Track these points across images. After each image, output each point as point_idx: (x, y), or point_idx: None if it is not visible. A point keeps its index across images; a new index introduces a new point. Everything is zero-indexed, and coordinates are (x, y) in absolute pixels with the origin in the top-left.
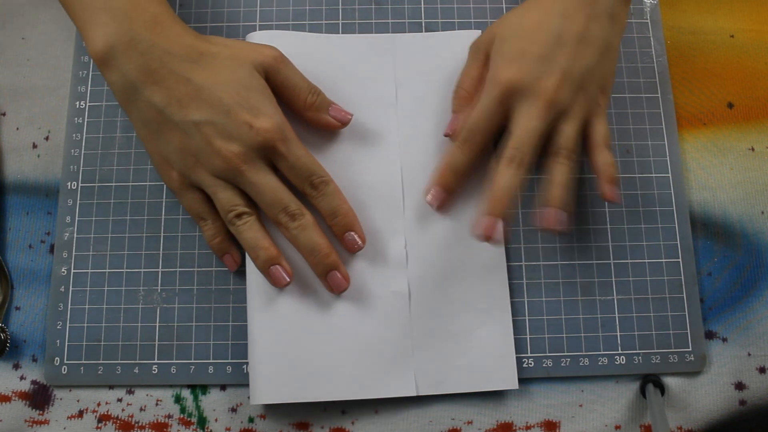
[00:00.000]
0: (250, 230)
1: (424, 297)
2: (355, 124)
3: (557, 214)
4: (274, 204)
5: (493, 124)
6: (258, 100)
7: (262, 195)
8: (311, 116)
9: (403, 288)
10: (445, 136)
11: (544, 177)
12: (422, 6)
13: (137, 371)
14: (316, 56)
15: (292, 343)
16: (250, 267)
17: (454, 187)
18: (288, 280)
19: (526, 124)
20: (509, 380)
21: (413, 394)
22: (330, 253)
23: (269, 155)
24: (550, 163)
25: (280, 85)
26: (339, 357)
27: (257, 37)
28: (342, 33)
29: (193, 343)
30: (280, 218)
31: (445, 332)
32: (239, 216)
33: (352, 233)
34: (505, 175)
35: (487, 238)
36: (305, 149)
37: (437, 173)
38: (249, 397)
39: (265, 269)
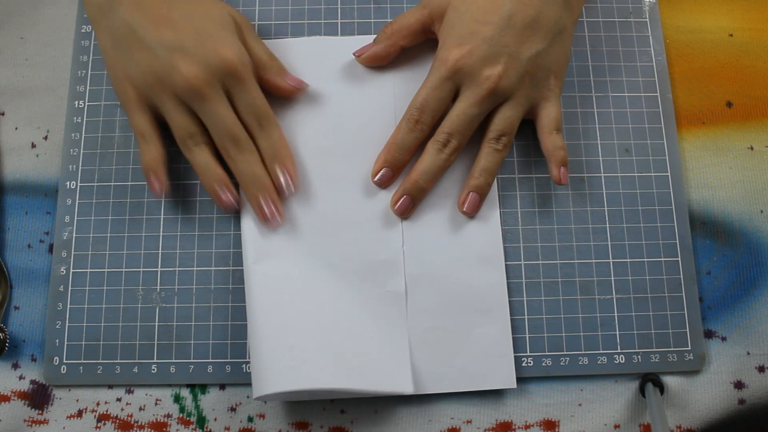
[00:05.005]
0: (202, 153)
1: (421, 296)
2: (354, 124)
3: (474, 199)
4: (227, 132)
5: (442, 102)
6: (228, 36)
7: (217, 122)
8: (267, 78)
9: (399, 288)
10: (353, 54)
11: (540, 175)
12: None
13: (136, 371)
14: (311, 59)
15: (291, 337)
16: (249, 263)
17: (401, 166)
18: (233, 203)
19: (463, 109)
20: (508, 379)
21: (410, 392)
22: (270, 186)
23: (229, 86)
24: (484, 146)
25: (243, 43)
26: (338, 350)
27: None
28: (340, 33)
29: (192, 342)
30: (229, 147)
31: (443, 331)
32: (194, 138)
33: (288, 176)
34: (431, 156)
35: (401, 215)
36: (261, 92)
37: (384, 151)
38: (249, 396)
39: (214, 191)
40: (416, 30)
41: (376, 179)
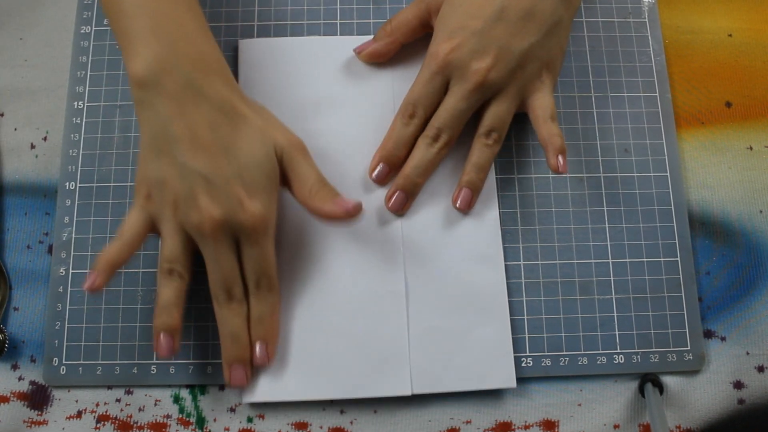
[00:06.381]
0: (171, 290)
1: (421, 296)
2: (354, 123)
3: (467, 195)
4: (223, 281)
5: (435, 97)
6: (261, 184)
7: (216, 268)
8: (314, 205)
9: (399, 288)
10: (354, 51)
11: (540, 175)
12: None
13: (136, 371)
14: (310, 59)
15: (288, 342)
16: None
17: (397, 162)
18: (169, 354)
19: (452, 104)
20: (507, 379)
21: (408, 393)
22: (247, 348)
23: (243, 238)
24: (475, 142)
25: (290, 171)
26: (335, 356)
27: (250, 44)
28: (339, 33)
29: (191, 343)
30: (219, 295)
31: (443, 331)
32: (172, 272)
33: (265, 347)
34: (422, 150)
35: (396, 211)
36: (273, 249)
37: (380, 148)
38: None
39: (158, 331)
40: (415, 26)
41: (373, 176)
